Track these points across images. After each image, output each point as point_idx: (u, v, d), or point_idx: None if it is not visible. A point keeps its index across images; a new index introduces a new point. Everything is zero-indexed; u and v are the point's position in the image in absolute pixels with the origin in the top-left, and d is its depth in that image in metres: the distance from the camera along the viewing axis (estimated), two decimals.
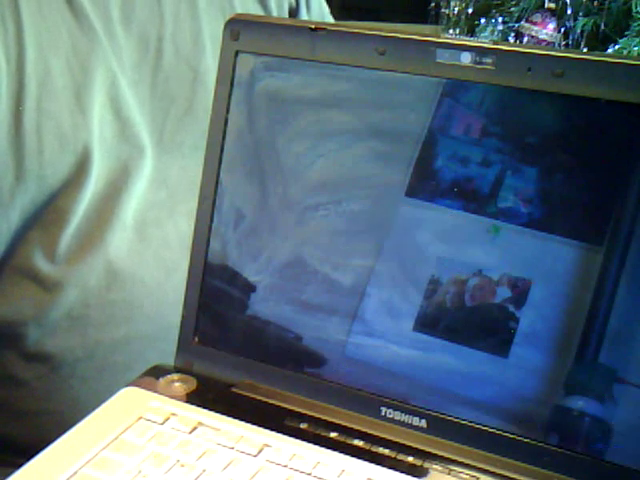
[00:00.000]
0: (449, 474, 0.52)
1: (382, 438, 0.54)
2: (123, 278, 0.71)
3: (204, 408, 0.56)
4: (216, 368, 0.59)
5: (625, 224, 0.50)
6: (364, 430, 0.55)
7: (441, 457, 0.53)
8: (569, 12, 2.06)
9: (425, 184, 0.54)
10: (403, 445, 0.54)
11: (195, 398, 0.57)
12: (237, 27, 0.58)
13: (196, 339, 0.60)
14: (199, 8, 0.76)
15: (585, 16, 2.04)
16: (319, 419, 0.56)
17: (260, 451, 0.53)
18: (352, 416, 0.56)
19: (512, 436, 0.52)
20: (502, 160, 0.52)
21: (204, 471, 0.51)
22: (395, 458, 0.53)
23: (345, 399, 0.56)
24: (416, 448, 0.53)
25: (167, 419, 0.55)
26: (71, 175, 0.68)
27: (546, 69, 0.51)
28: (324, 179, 0.56)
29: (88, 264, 0.70)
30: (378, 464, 0.52)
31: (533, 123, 0.52)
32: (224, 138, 0.59)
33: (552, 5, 2.11)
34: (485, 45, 0.52)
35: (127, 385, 0.59)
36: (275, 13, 0.82)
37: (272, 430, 0.54)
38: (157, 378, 0.59)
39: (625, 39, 1.96)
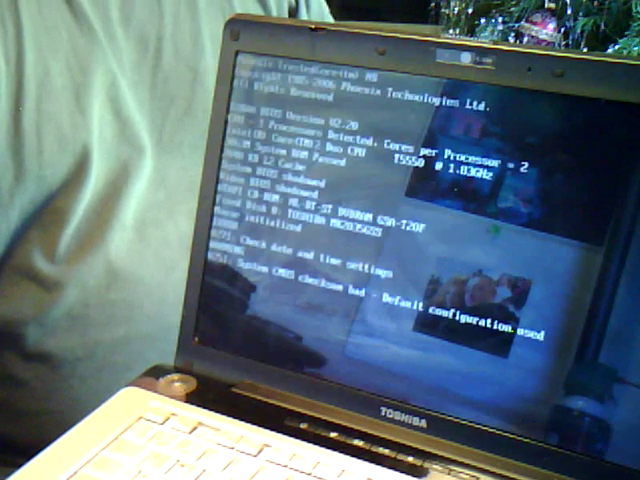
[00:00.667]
0: (449, 474, 0.52)
1: (382, 438, 0.54)
2: (123, 278, 0.71)
3: (204, 408, 0.56)
4: (216, 368, 0.59)
5: (625, 224, 0.50)
6: (364, 430, 0.55)
7: (441, 457, 0.53)
8: (569, 12, 2.06)
9: (425, 184, 0.54)
10: (403, 445, 0.54)
11: (195, 398, 0.57)
12: (237, 27, 0.58)
13: (196, 339, 0.60)
14: (199, 8, 0.76)
15: (585, 16, 2.04)
16: (319, 419, 0.56)
17: (260, 451, 0.53)
18: (352, 416, 0.56)
19: (512, 436, 0.52)
20: (502, 160, 0.52)
21: (204, 471, 0.51)
22: (395, 458, 0.53)
23: (345, 399, 0.56)
24: (416, 448, 0.53)
25: (167, 419, 0.55)
26: (71, 175, 0.68)
27: (546, 69, 0.51)
28: (324, 179, 0.57)
29: (88, 264, 0.70)
30: (378, 464, 0.52)
31: (533, 123, 0.52)
32: (224, 138, 0.59)
33: (552, 5, 2.11)
34: (485, 45, 0.52)
35: (127, 385, 0.59)
36: (275, 13, 0.82)
37: (272, 430, 0.54)
38: (157, 378, 0.59)
39: (625, 39, 1.96)
